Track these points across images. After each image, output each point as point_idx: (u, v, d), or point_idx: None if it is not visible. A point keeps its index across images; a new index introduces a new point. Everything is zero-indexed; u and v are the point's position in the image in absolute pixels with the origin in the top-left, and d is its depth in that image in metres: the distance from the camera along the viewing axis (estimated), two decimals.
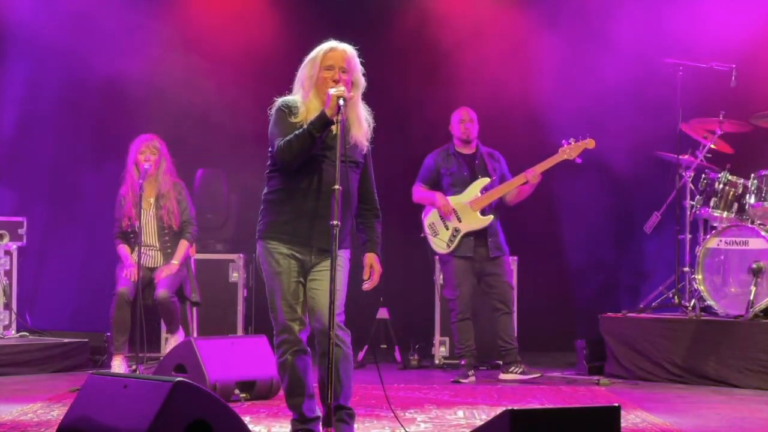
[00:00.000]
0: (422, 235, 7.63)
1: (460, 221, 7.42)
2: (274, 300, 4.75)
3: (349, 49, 4.75)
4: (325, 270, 4.62)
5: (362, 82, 4.78)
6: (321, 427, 4.68)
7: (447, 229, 7.45)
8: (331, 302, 4.47)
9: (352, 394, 4.78)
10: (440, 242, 7.48)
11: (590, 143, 7.30)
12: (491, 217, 7.41)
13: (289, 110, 4.72)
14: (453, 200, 7.45)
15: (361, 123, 4.78)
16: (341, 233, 4.57)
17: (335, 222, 4.47)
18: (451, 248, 7.43)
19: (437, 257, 8.18)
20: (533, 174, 7.26)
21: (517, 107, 8.85)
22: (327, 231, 4.53)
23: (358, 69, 4.76)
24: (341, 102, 4.54)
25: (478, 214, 7.41)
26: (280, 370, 4.79)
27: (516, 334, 7.48)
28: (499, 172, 7.55)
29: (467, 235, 7.41)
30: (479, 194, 7.42)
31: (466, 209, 7.42)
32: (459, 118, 7.58)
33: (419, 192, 7.61)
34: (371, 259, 4.81)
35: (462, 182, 7.49)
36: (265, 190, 4.84)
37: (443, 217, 7.46)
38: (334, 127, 4.61)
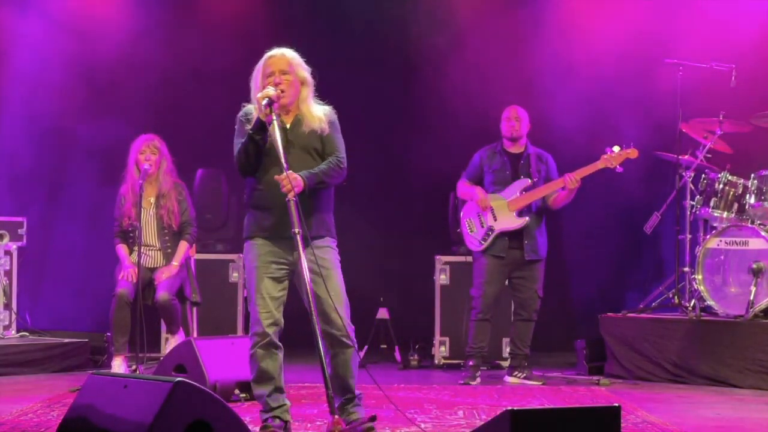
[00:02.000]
0: (458, 230, 7.55)
1: (495, 220, 7.31)
2: (250, 295, 5.05)
3: (287, 53, 5.05)
4: (324, 269, 4.90)
5: (309, 79, 5.06)
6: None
7: (482, 226, 7.34)
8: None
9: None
10: (474, 239, 7.37)
11: (633, 153, 7.17)
12: (527, 219, 7.28)
13: (246, 119, 5.04)
14: (492, 198, 7.34)
15: (314, 113, 5.03)
16: (315, 220, 4.93)
17: (296, 230, 4.71)
18: (484, 246, 7.32)
19: (437, 257, 8.21)
20: (571, 179, 7.13)
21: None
22: (303, 219, 4.79)
23: (302, 68, 5.05)
24: (264, 102, 4.84)
25: (515, 214, 7.30)
26: (250, 361, 5.06)
27: (530, 342, 7.40)
28: (544, 174, 7.41)
29: (502, 234, 7.30)
30: (518, 195, 7.33)
31: (503, 208, 7.31)
32: (506, 116, 7.46)
33: (463, 187, 7.52)
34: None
35: (503, 181, 7.37)
36: (244, 198, 5.15)
37: (480, 214, 7.36)
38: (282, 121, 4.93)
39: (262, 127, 4.89)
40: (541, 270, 7.40)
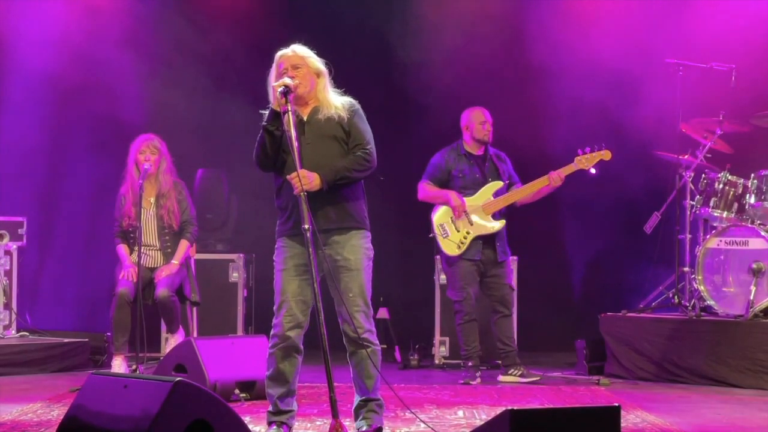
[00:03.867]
0: (431, 235, 7.48)
1: (471, 224, 7.28)
2: (274, 296, 4.97)
3: (298, 48, 5.01)
4: (345, 269, 4.88)
5: (324, 69, 5.01)
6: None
7: (458, 231, 7.29)
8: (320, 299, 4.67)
9: (379, 386, 4.99)
10: (450, 244, 7.31)
11: (606, 155, 7.15)
12: (503, 221, 7.28)
13: None
14: (466, 203, 7.31)
15: (331, 101, 4.99)
16: (338, 212, 4.88)
17: (306, 226, 4.68)
18: (462, 251, 7.30)
19: (437, 257, 8.18)
20: (556, 177, 7.13)
21: (516, 106, 8.83)
22: (325, 212, 4.84)
23: (315, 60, 5.00)
24: (280, 90, 4.79)
25: (490, 218, 7.29)
26: (268, 359, 4.99)
27: (515, 336, 7.44)
28: (507, 174, 7.42)
29: (477, 238, 7.29)
30: (492, 198, 7.31)
31: (478, 212, 7.27)
32: (480, 120, 7.39)
33: (427, 190, 7.42)
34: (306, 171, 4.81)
35: (474, 184, 7.33)
36: None
37: (454, 218, 7.32)
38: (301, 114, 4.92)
39: (276, 116, 4.82)
40: (509, 265, 7.47)
